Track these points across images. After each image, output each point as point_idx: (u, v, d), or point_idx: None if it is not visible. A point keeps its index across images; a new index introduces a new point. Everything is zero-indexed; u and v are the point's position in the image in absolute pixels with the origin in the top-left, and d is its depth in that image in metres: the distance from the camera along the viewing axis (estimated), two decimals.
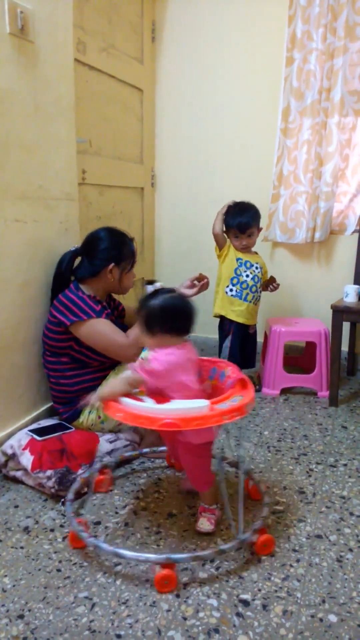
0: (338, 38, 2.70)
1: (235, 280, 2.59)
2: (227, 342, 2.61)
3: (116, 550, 1.40)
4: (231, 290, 2.59)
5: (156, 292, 1.58)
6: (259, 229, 2.63)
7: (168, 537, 1.57)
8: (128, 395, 1.45)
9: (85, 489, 1.74)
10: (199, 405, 1.37)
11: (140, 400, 1.45)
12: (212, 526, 1.58)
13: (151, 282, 2.04)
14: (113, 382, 1.49)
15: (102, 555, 1.48)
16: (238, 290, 2.59)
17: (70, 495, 1.66)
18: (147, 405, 1.42)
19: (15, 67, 1.83)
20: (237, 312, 2.60)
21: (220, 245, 2.60)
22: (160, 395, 1.48)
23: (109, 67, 2.66)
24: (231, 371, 1.61)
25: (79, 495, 1.72)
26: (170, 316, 1.51)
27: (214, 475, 1.61)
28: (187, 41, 3.12)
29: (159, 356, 1.47)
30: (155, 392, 1.49)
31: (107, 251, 1.98)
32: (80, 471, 1.78)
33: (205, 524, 1.59)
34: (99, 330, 1.90)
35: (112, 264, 1.98)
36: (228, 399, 1.45)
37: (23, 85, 1.88)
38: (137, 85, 2.99)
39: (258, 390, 2.79)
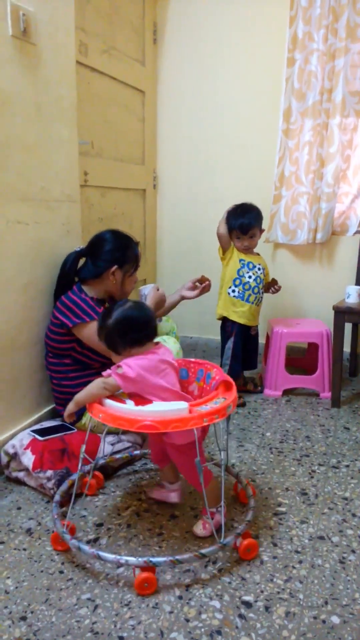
0: (339, 39, 2.71)
1: (237, 282, 2.59)
2: (230, 344, 2.61)
3: (97, 552, 1.38)
4: (233, 291, 2.59)
5: (110, 310, 1.58)
6: (262, 230, 2.63)
7: (170, 538, 1.57)
8: (111, 396, 1.47)
9: (73, 491, 1.69)
10: (178, 408, 1.39)
11: (122, 401, 1.46)
12: (205, 532, 1.56)
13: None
14: (89, 387, 1.49)
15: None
16: (240, 292, 2.59)
17: (57, 497, 1.65)
18: (127, 407, 1.42)
19: (18, 69, 1.84)
20: (239, 313, 2.60)
21: (224, 247, 2.60)
22: (141, 398, 1.49)
23: (111, 69, 2.66)
24: (215, 373, 1.62)
25: (74, 496, 1.71)
26: (127, 329, 1.53)
27: (211, 473, 1.60)
28: (188, 43, 3.12)
29: (129, 361, 1.48)
30: (136, 395, 1.50)
31: (111, 253, 1.98)
32: (85, 467, 1.78)
33: (199, 527, 1.58)
34: None
35: (115, 266, 1.98)
36: (210, 401, 1.46)
37: (25, 87, 1.88)
38: (139, 86, 3.00)
39: (260, 392, 2.79)
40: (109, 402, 1.44)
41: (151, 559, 1.36)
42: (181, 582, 1.39)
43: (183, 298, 2.33)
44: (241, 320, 2.60)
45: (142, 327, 1.54)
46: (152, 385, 1.48)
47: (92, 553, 1.39)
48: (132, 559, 1.36)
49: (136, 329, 1.53)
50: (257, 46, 2.97)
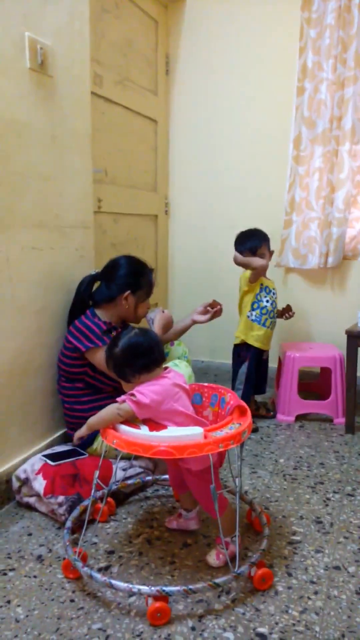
0: (348, 68, 2.76)
1: (255, 305, 2.59)
2: (244, 368, 2.60)
3: (109, 580, 1.36)
4: (251, 314, 2.60)
5: (116, 339, 1.58)
6: (270, 252, 2.64)
7: (183, 567, 1.55)
8: (126, 422, 1.46)
9: (86, 517, 1.67)
10: (193, 433, 1.37)
11: (137, 427, 1.45)
12: (217, 562, 1.53)
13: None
14: (102, 412, 1.48)
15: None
16: (257, 315, 2.59)
17: (68, 523, 1.63)
18: (142, 433, 1.41)
19: (35, 100, 1.89)
20: (255, 337, 2.59)
21: (258, 277, 2.59)
22: (155, 423, 1.48)
23: (124, 99, 2.73)
24: (230, 397, 1.61)
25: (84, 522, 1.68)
26: (134, 356, 1.53)
27: (226, 500, 1.57)
28: (199, 73, 3.19)
29: (142, 389, 1.47)
30: (150, 420, 1.48)
31: (125, 278, 2.00)
32: (96, 493, 1.77)
33: (212, 557, 1.55)
34: None
35: (128, 292, 1.99)
36: (225, 426, 1.45)
37: (41, 118, 1.93)
38: (152, 116, 3.06)
39: (273, 417, 2.77)
40: (123, 427, 1.44)
41: (164, 588, 1.34)
42: (194, 613, 1.37)
43: (194, 322, 2.33)
44: (257, 344, 2.60)
45: (148, 353, 1.53)
46: (166, 410, 1.47)
47: (105, 581, 1.37)
48: (144, 588, 1.34)
49: (143, 355, 1.53)
50: (267, 76, 3.04)
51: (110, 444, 1.42)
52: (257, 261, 2.52)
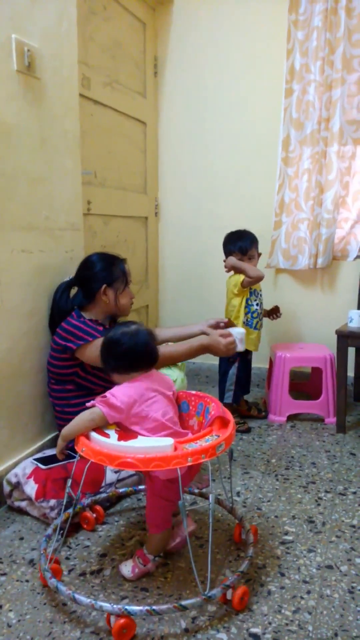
0: (336, 70, 2.77)
1: (246, 310, 2.59)
2: (234, 369, 2.60)
3: (73, 594, 1.31)
4: (245, 319, 2.59)
5: (113, 329, 1.54)
6: (259, 254, 2.65)
7: (176, 569, 1.54)
8: (97, 429, 1.42)
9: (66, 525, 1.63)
10: (163, 445, 1.32)
11: (107, 435, 1.40)
12: (131, 574, 1.47)
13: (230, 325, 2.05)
14: (75, 420, 1.43)
15: (109, 589, 1.46)
16: (249, 320, 2.59)
17: (49, 530, 1.60)
18: (109, 442, 1.36)
19: (23, 102, 1.89)
20: (249, 341, 2.59)
21: (253, 284, 2.58)
22: (126, 431, 1.44)
23: (113, 102, 2.73)
24: (213, 408, 1.54)
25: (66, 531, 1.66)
26: (112, 355, 1.50)
27: (169, 524, 1.51)
28: (188, 75, 3.20)
29: (115, 390, 1.44)
30: (123, 426, 1.45)
31: (97, 274, 2.00)
32: (84, 500, 1.76)
33: (127, 568, 1.49)
34: None
35: (104, 285, 1.99)
36: (202, 438, 1.38)
37: (30, 120, 1.93)
38: (140, 118, 3.06)
39: (264, 417, 2.78)
40: (93, 435, 1.39)
41: (127, 607, 1.27)
42: (187, 614, 1.36)
43: (203, 333, 2.25)
44: (250, 348, 2.59)
45: (126, 355, 1.48)
46: (136, 414, 1.43)
47: (69, 595, 1.32)
48: (107, 605, 1.27)
49: (117, 356, 1.49)
50: (255, 78, 3.05)
51: (79, 451, 1.39)
52: (255, 271, 2.51)
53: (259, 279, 2.52)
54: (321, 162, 2.88)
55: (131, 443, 1.36)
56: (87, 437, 1.41)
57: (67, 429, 1.44)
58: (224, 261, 2.61)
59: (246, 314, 2.59)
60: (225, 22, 3.05)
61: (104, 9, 2.62)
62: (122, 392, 1.43)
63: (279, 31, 2.91)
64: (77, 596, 1.31)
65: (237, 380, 2.60)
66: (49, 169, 2.06)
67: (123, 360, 1.50)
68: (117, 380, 1.52)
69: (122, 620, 1.26)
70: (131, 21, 2.92)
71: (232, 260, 2.56)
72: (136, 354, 1.49)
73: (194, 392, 1.66)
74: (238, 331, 1.97)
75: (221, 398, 2.63)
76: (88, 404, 1.43)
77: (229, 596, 1.37)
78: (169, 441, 1.34)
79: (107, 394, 1.43)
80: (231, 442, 1.42)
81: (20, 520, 1.81)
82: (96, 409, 1.41)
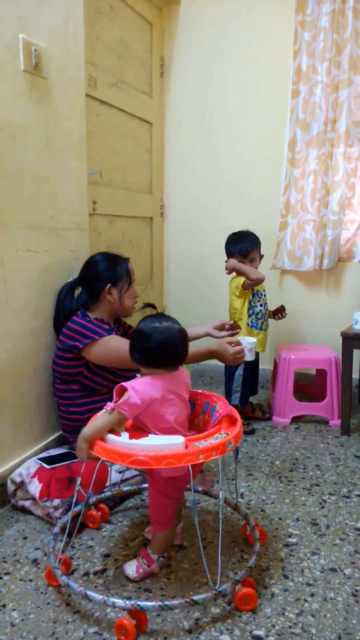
0: (342, 71, 2.76)
1: (250, 312, 2.58)
2: (240, 370, 2.59)
3: (85, 591, 1.32)
4: (249, 321, 2.58)
5: (156, 321, 1.47)
6: (261, 256, 2.64)
7: (179, 570, 1.54)
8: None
9: (71, 524, 1.64)
10: (174, 442, 1.32)
11: (117, 433, 1.40)
12: (135, 574, 1.48)
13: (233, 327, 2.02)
14: (96, 421, 1.41)
15: (113, 589, 1.46)
16: (254, 321, 2.58)
17: (56, 528, 1.60)
18: (121, 440, 1.36)
19: (29, 102, 1.89)
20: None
21: (254, 287, 2.57)
22: (140, 428, 1.44)
23: (119, 102, 2.73)
24: (220, 406, 1.55)
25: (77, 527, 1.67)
26: (136, 346, 1.47)
27: (173, 522, 1.51)
28: (194, 76, 3.20)
29: (138, 386, 1.40)
30: (136, 425, 1.45)
31: (101, 273, 2.00)
32: (89, 499, 1.76)
33: (131, 568, 1.49)
34: (112, 346, 1.88)
35: (109, 285, 1.99)
36: (211, 436, 1.39)
37: (36, 120, 1.93)
38: (146, 118, 3.06)
39: (268, 419, 2.77)
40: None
41: (139, 602, 1.28)
42: (190, 616, 1.36)
43: (208, 335, 2.24)
44: (258, 349, 2.58)
45: (148, 351, 1.44)
46: (152, 412, 1.41)
47: (80, 591, 1.33)
48: (119, 602, 1.29)
49: (143, 350, 1.45)
50: (261, 78, 3.04)
51: (90, 450, 1.39)
52: (255, 273, 2.49)
53: (260, 281, 2.52)
54: (327, 163, 2.87)
55: (142, 441, 1.36)
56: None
57: (90, 430, 1.39)
58: (226, 262, 2.60)
59: (250, 315, 2.58)
60: (232, 22, 3.05)
61: (111, 9, 2.62)
62: (143, 389, 1.39)
63: (285, 32, 2.90)
64: (89, 592, 1.32)
65: (243, 381, 2.60)
66: (55, 169, 2.06)
67: (149, 355, 1.45)
68: (142, 369, 1.48)
69: (125, 621, 1.26)
70: (138, 21, 2.92)
71: (233, 262, 2.56)
72: (163, 352, 1.44)
73: (200, 390, 1.66)
74: (249, 341, 1.96)
75: (228, 399, 2.62)
76: (107, 408, 1.38)
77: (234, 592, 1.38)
78: (180, 439, 1.34)
79: (128, 386, 1.39)
80: (239, 440, 1.42)
81: (24, 520, 1.81)
82: (115, 413, 1.37)
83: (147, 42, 3.05)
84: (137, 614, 1.29)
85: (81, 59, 2.18)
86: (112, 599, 1.29)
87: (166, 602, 1.29)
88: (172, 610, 1.34)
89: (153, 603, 1.29)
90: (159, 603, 1.28)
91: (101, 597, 1.30)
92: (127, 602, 1.28)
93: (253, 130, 3.10)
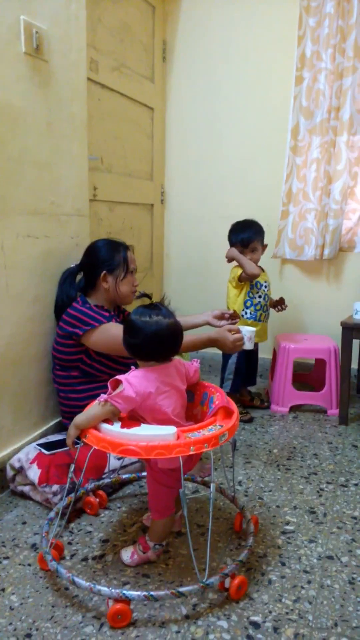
0: (347, 58, 2.73)
1: (249, 303, 2.58)
2: (234, 359, 2.59)
3: (72, 577, 1.33)
4: (246, 313, 2.58)
5: (152, 313, 1.45)
6: (264, 246, 2.62)
7: (177, 556, 1.55)
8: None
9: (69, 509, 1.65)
10: (165, 433, 1.31)
11: (110, 422, 1.39)
12: (130, 560, 1.49)
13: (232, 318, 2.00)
14: (90, 410, 1.40)
15: (111, 574, 1.47)
16: (252, 312, 2.58)
17: (51, 513, 1.61)
18: (112, 429, 1.35)
19: (30, 85, 1.86)
20: None
21: (247, 280, 2.55)
22: (135, 418, 1.44)
23: (121, 86, 2.70)
24: (217, 398, 1.53)
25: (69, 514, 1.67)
26: (128, 337, 1.46)
27: (171, 510, 1.50)
28: (196, 61, 3.16)
29: (132, 379, 1.39)
30: (131, 414, 1.44)
31: (98, 260, 2.00)
32: (87, 486, 1.77)
33: (127, 554, 1.51)
34: (112, 333, 1.87)
35: (104, 271, 1.98)
36: (205, 427, 1.38)
37: (37, 104, 1.91)
38: (148, 103, 3.03)
39: (267, 407, 2.78)
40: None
41: (125, 591, 1.29)
42: (188, 601, 1.37)
43: (207, 324, 2.24)
44: (256, 340, 2.57)
45: (139, 346, 1.43)
46: (148, 405, 1.40)
47: (68, 577, 1.34)
48: (105, 590, 1.29)
49: (133, 345, 1.44)
50: (265, 64, 3.01)
51: (82, 438, 1.38)
52: (250, 268, 2.47)
53: (253, 277, 2.50)
54: (330, 151, 2.85)
55: (134, 431, 1.35)
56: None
57: (82, 419, 1.39)
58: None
59: (248, 307, 2.57)
60: (236, 6, 3.00)
61: None
62: (138, 382, 1.39)
63: (290, 17, 2.86)
64: (76, 579, 1.33)
65: (236, 370, 2.59)
66: (56, 154, 2.04)
67: (138, 349, 1.45)
68: (138, 361, 1.48)
69: (118, 606, 1.27)
70: (140, 4, 2.87)
71: (233, 251, 2.55)
72: (151, 347, 1.43)
73: (200, 381, 1.65)
74: (248, 329, 1.96)
75: (220, 386, 2.63)
76: (101, 399, 1.37)
77: (227, 584, 1.38)
78: (172, 429, 1.33)
79: (123, 379, 1.38)
80: (234, 432, 1.41)
81: (23, 505, 1.82)
82: (109, 404, 1.36)
83: (149, 26, 3.01)
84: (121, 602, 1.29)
85: (83, 42, 2.15)
86: (98, 587, 1.29)
87: (152, 593, 1.29)
88: (157, 600, 1.33)
89: (138, 593, 1.29)
90: (144, 593, 1.29)
91: (88, 584, 1.31)
92: (113, 590, 1.29)
93: (256, 116, 3.08)
